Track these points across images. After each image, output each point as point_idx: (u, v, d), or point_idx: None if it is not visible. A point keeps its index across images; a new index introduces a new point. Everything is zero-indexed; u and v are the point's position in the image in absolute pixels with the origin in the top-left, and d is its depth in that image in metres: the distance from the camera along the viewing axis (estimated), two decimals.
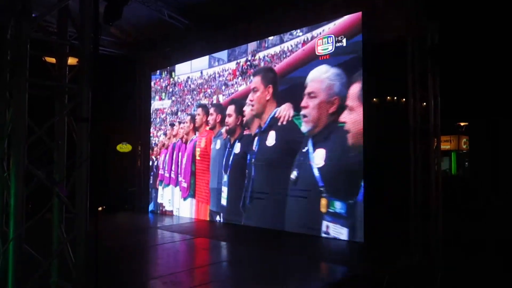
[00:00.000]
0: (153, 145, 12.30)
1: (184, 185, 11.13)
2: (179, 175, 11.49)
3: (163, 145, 12.02)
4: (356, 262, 6.03)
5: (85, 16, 3.23)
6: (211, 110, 10.39)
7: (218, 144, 10.12)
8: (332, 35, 7.58)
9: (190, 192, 10.87)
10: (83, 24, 3.22)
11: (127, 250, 6.78)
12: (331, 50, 7.56)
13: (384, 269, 5.35)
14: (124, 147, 12.62)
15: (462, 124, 16.96)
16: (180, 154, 11.63)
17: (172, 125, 11.86)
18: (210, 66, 10.35)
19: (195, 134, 10.93)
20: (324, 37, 7.72)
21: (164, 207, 11.73)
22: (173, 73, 11.50)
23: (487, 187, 11.16)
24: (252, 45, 9.17)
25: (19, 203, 2.79)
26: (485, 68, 9.41)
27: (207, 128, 10.48)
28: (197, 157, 10.69)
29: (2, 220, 3.10)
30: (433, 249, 6.38)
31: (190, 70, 10.97)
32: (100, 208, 11.09)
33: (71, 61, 3.72)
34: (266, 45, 8.89)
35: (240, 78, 9.50)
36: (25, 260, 2.95)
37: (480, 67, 9.42)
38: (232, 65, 9.69)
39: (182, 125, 11.58)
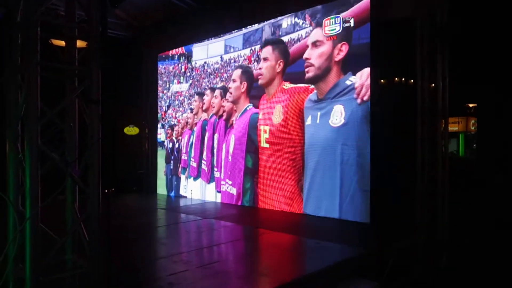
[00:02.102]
0: (171, 124, 11.33)
1: (231, 190, 8.36)
2: (215, 169, 9.01)
3: (187, 123, 10.25)
4: (361, 242, 6.11)
5: None
6: (316, 35, 6.87)
7: (339, 116, 6.15)
8: (340, 16, 7.49)
9: (245, 201, 8.01)
10: (91, 5, 3.24)
11: (137, 229, 6.94)
12: (339, 30, 7.48)
13: (390, 248, 5.43)
14: (131, 130, 12.68)
15: (471, 105, 16.78)
16: (216, 136, 9.11)
17: (200, 94, 9.77)
18: (226, 52, 9.65)
19: (250, 102, 7.98)
20: (332, 17, 7.62)
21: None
22: (190, 58, 10.80)
23: (494, 168, 11.12)
24: (265, 33, 8.70)
25: (34, 183, 2.88)
26: (496, 48, 9.26)
27: (287, 85, 7.19)
28: (263, 144, 7.57)
29: (18, 200, 3.20)
30: (439, 230, 6.44)
31: (206, 56, 10.15)
32: (112, 189, 10.79)
33: (80, 44, 3.75)
34: (280, 33, 8.43)
35: (255, 63, 8.90)
36: (41, 238, 3.06)
37: (491, 46, 9.26)
38: (247, 51, 9.11)
39: (217, 92, 9.11)
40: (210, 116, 9.44)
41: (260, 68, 8.05)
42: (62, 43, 3.67)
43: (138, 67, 12.43)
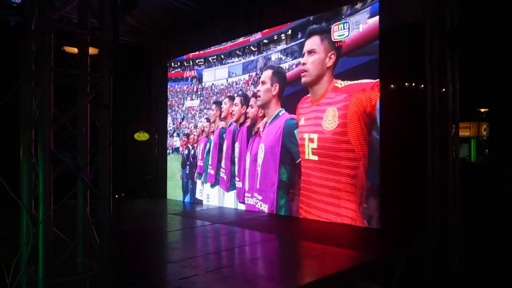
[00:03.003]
0: (186, 133, 11.91)
1: (261, 206, 7.87)
2: (236, 178, 8.87)
3: (202, 131, 10.85)
4: (372, 247, 6.07)
5: (105, 4, 3.32)
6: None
7: None
8: (348, 21, 7.51)
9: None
10: (103, 12, 3.31)
11: (147, 233, 6.98)
12: (347, 36, 7.49)
13: (400, 254, 5.39)
14: (141, 136, 12.79)
15: (482, 110, 16.61)
16: (237, 145, 8.91)
17: (217, 103, 10.21)
18: (230, 76, 10.38)
19: (281, 107, 7.45)
20: (340, 22, 7.65)
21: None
22: (201, 80, 11.55)
23: (507, 174, 10.98)
24: (260, 63, 9.33)
25: (47, 187, 2.94)
26: (508, 51, 9.18)
27: (341, 83, 6.35)
28: (308, 155, 6.66)
29: (31, 204, 3.26)
30: (450, 234, 6.37)
31: (214, 78, 11.03)
32: (122, 194, 10.86)
33: (92, 50, 3.82)
34: (270, 63, 8.96)
35: (252, 86, 9.61)
36: (53, 241, 3.11)
37: (503, 50, 9.19)
38: (246, 76, 9.83)
39: (237, 99, 9.27)
40: (229, 124, 9.45)
41: (304, 64, 7.05)
42: (74, 50, 3.75)
43: (148, 72, 12.58)
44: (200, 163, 10.89)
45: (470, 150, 17.76)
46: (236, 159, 9.31)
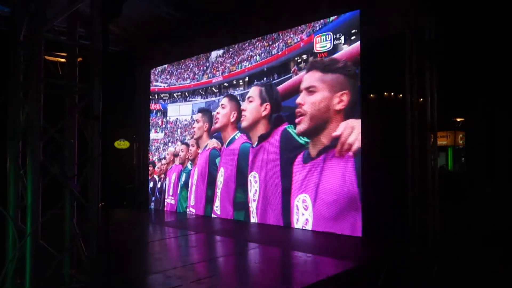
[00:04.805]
0: (152, 161, 11.72)
1: None
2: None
3: (175, 156, 9.89)
4: (354, 255, 6.16)
5: (95, 15, 3.33)
6: None
7: None
8: (330, 33, 7.68)
9: None
10: (94, 22, 3.32)
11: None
12: (329, 47, 7.66)
13: (382, 262, 5.50)
14: (122, 144, 12.58)
15: (458, 119, 17.13)
16: (255, 177, 5.94)
17: (204, 111, 9.78)
18: (193, 113, 10.59)
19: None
20: (322, 34, 7.82)
21: None
22: (165, 114, 11.73)
23: (483, 181, 11.33)
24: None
25: (36, 199, 2.90)
26: (482, 62, 9.52)
27: None
28: None
29: (17, 216, 3.21)
30: (430, 242, 6.53)
31: (178, 114, 11.17)
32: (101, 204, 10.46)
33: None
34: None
35: None
36: (40, 253, 3.06)
37: (477, 61, 9.53)
38: None
39: (254, 92, 7.10)
40: (228, 141, 6.83)
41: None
42: (55, 58, 3.72)
43: (130, 80, 12.48)
44: (170, 200, 8.64)
45: (447, 158, 18.25)
46: (253, 203, 5.95)
